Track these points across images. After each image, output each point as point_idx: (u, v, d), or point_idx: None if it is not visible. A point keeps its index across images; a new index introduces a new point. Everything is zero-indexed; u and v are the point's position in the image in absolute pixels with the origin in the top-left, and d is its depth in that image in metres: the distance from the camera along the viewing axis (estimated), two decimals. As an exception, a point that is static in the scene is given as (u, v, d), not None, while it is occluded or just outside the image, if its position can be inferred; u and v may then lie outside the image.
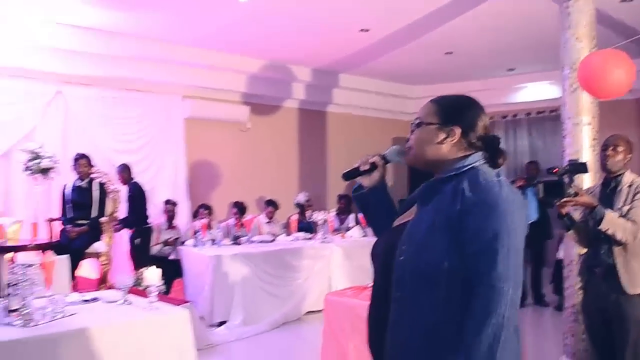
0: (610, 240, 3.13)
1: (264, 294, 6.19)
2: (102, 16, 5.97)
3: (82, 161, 6.10)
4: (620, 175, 3.29)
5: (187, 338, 3.33)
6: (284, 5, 5.77)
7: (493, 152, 1.64)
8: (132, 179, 6.69)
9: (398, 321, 1.57)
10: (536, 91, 9.29)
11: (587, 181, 4.27)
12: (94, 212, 6.11)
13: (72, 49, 6.42)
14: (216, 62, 7.55)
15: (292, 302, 6.38)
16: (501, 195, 1.50)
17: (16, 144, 6.23)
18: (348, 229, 7.91)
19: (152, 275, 3.47)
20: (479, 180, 1.53)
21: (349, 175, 1.91)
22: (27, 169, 5.76)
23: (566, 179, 3.32)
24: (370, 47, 7.32)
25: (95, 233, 6.07)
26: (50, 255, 5.19)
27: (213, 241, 6.73)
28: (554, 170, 3.43)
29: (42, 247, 5.51)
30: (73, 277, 5.66)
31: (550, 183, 3.29)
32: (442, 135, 1.63)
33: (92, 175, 6.18)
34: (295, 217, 8.23)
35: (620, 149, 3.27)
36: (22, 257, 5.10)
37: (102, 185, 6.21)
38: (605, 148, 3.33)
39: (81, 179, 6.14)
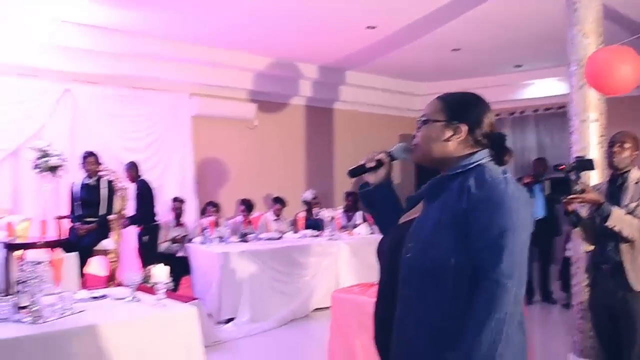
0: (617, 237, 3.12)
1: (271, 291, 6.20)
2: (109, 14, 5.99)
3: (90, 159, 6.12)
4: (627, 172, 3.27)
5: (195, 335, 3.34)
6: (291, 3, 5.77)
7: (499, 150, 1.64)
8: (139, 176, 6.72)
9: (404, 319, 1.58)
10: (543, 88, 9.23)
11: (594, 178, 4.25)
12: (102, 210, 6.13)
13: (80, 47, 6.44)
14: (223, 60, 7.55)
15: (299, 299, 6.39)
16: (507, 193, 1.50)
17: (25, 142, 6.27)
18: (355, 226, 7.91)
19: (160, 272, 3.49)
20: (485, 178, 1.54)
21: (355, 172, 1.91)
22: (35, 167, 5.78)
23: (573, 176, 3.30)
24: (376, 44, 7.31)
25: (103, 230, 6.10)
26: (59, 252, 5.24)
27: (221, 238, 6.74)
28: (561, 167, 3.42)
29: (51, 245, 5.56)
30: (82, 274, 5.69)
31: (557, 180, 3.27)
32: (448, 133, 1.63)
33: (100, 173, 6.20)
34: (302, 215, 8.24)
35: (627, 145, 3.26)
36: (31, 254, 5.10)
37: (110, 182, 6.22)
38: (612, 145, 3.31)
39: (89, 176, 6.16)
